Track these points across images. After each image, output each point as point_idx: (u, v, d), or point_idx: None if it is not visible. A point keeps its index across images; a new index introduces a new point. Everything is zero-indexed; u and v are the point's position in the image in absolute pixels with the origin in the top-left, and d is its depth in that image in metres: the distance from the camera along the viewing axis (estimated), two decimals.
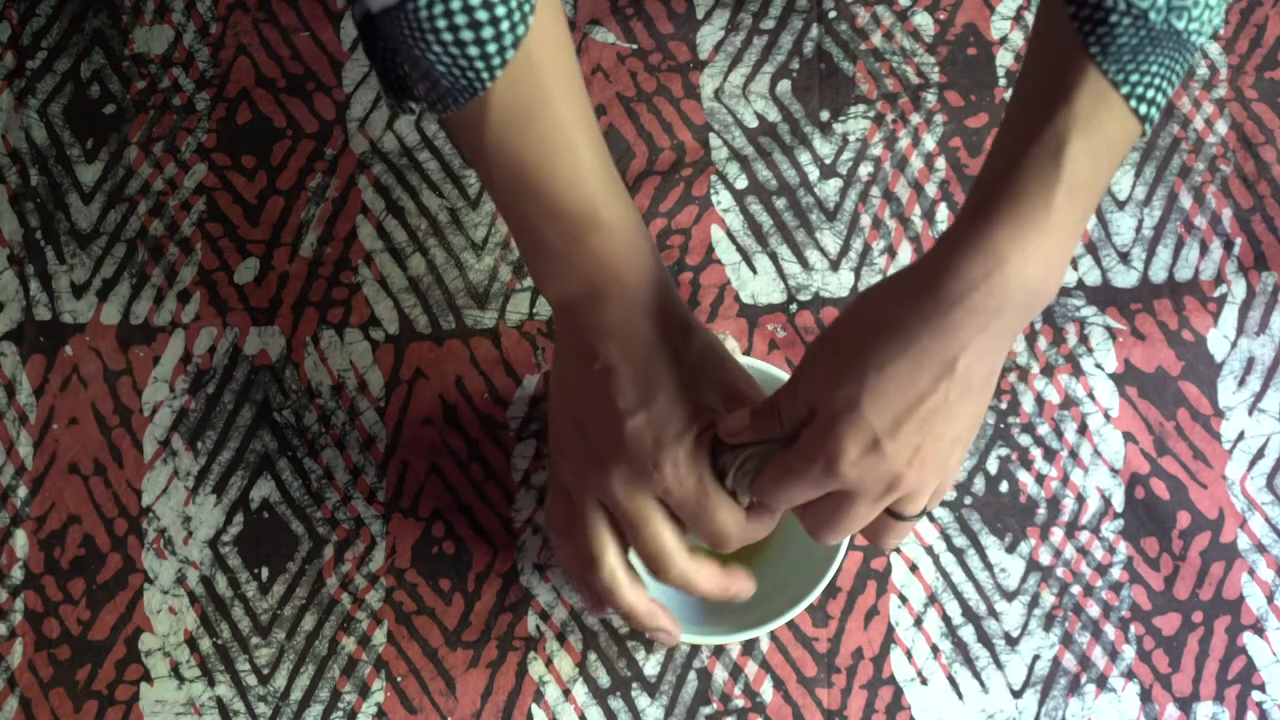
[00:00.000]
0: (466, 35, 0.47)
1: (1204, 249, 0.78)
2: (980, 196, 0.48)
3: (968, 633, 0.73)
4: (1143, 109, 0.47)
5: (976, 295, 0.47)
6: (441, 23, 0.47)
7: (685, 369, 0.56)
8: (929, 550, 0.74)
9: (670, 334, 0.56)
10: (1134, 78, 0.46)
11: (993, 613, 0.73)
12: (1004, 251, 0.47)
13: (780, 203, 0.78)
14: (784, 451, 0.53)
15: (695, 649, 0.73)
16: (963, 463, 0.54)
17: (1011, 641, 0.73)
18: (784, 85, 0.80)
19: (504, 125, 0.51)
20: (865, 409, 0.49)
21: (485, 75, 0.49)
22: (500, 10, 0.47)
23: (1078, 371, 0.76)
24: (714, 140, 0.79)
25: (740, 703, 0.72)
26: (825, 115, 0.79)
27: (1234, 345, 0.76)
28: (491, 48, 0.48)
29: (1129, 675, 0.73)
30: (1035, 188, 0.46)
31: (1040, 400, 0.75)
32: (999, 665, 0.73)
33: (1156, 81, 0.47)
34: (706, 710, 0.72)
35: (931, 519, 0.74)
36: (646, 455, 0.55)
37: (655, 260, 0.57)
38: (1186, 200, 0.78)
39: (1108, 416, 0.75)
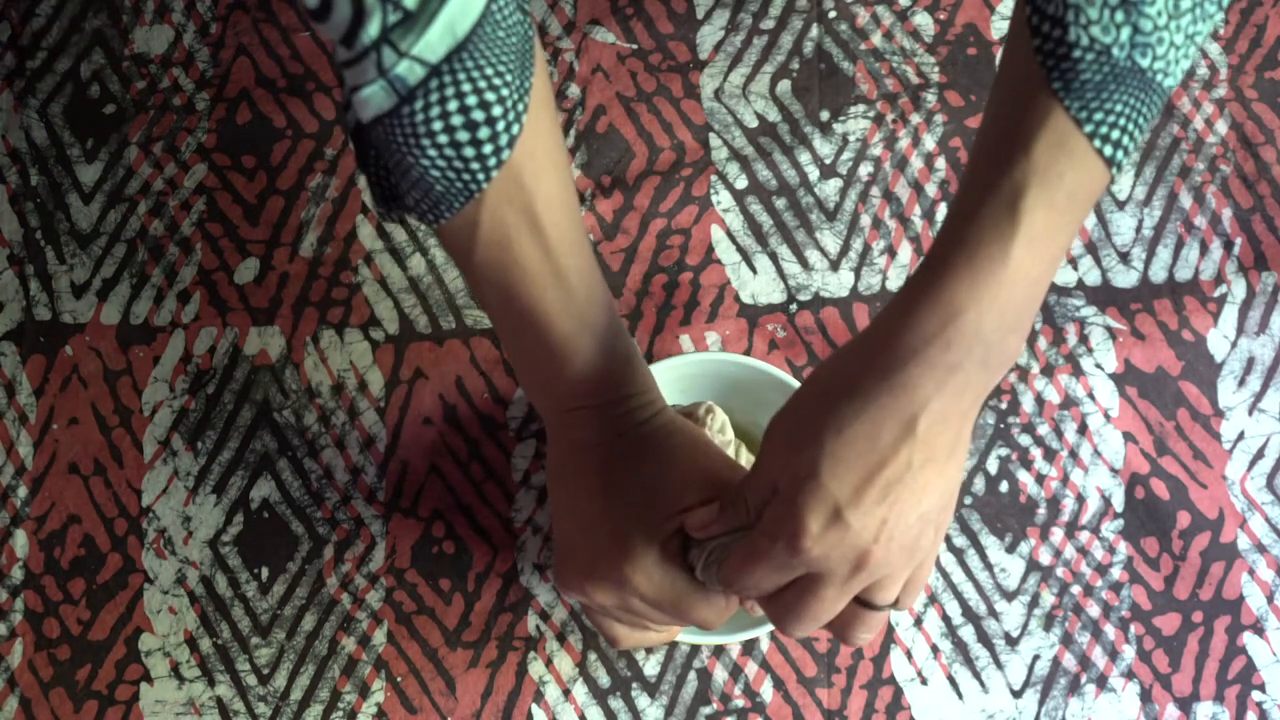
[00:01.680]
0: (463, 137, 0.46)
1: (1204, 249, 0.78)
2: (937, 248, 0.47)
3: (968, 633, 0.73)
4: (1107, 150, 0.46)
5: (933, 349, 0.46)
6: (438, 124, 0.46)
7: (658, 468, 0.56)
8: None
9: (643, 440, 0.56)
10: (1097, 116, 0.45)
11: (993, 613, 0.73)
12: (960, 303, 0.45)
13: (780, 203, 0.78)
14: (745, 535, 0.52)
15: (695, 649, 0.73)
16: (936, 551, 0.52)
17: (1011, 641, 0.73)
18: (784, 85, 0.80)
19: (491, 244, 0.50)
20: (824, 475, 0.47)
21: (481, 178, 0.48)
22: (496, 110, 0.46)
23: (1078, 371, 0.76)
24: (714, 140, 0.79)
25: (740, 703, 0.72)
26: (825, 115, 0.79)
27: (1234, 345, 0.76)
28: (487, 148, 0.47)
29: (1129, 675, 0.73)
30: (991, 239, 0.45)
31: (1040, 400, 0.75)
32: (999, 665, 0.73)
33: (1121, 122, 0.45)
34: (706, 710, 0.72)
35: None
36: (614, 568, 0.55)
37: (633, 369, 0.57)
38: (1186, 200, 0.78)
39: (1108, 416, 0.75)
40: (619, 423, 0.56)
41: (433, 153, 0.47)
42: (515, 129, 0.47)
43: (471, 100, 0.46)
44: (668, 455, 0.56)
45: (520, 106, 0.47)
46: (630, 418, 0.56)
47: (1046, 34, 0.45)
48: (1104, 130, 0.45)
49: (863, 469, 0.47)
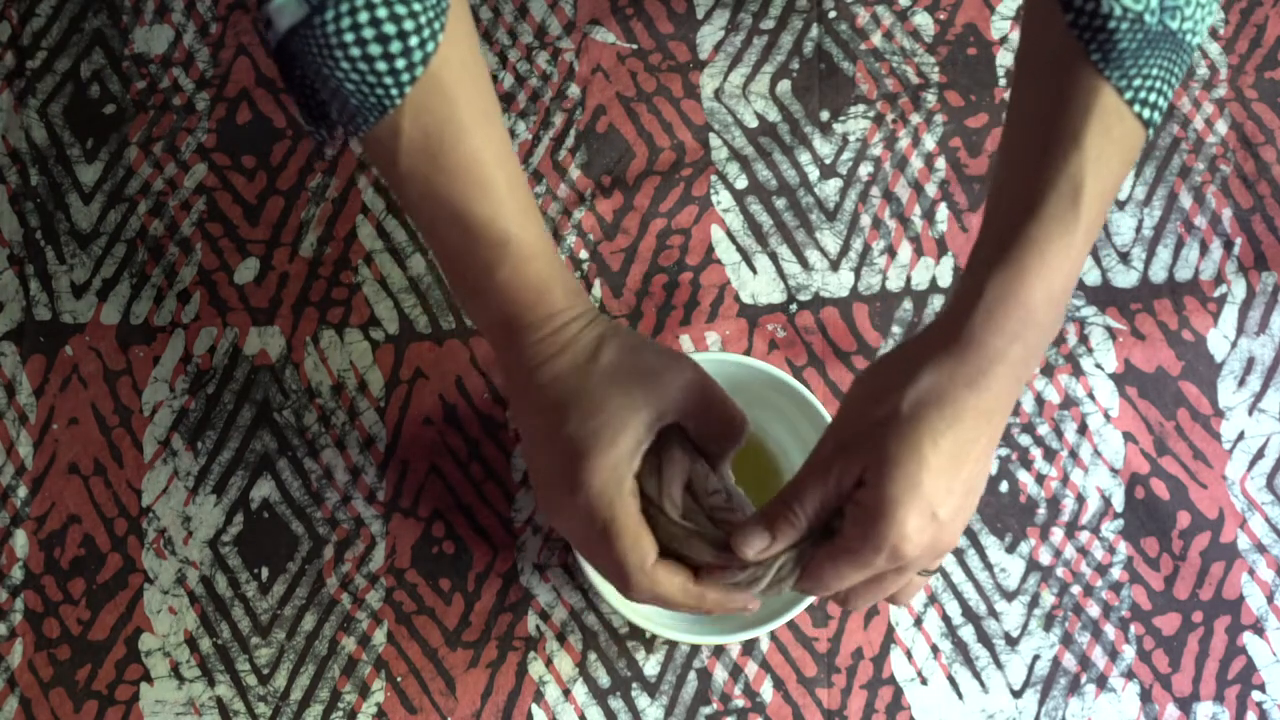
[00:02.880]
0: (374, 50, 0.47)
1: (1204, 249, 0.78)
2: (1006, 247, 0.48)
3: (968, 633, 0.73)
4: (1145, 113, 0.47)
5: (1014, 350, 0.48)
6: (349, 37, 0.47)
7: (616, 384, 0.55)
8: None
9: (592, 354, 0.55)
10: (1136, 82, 0.47)
11: (993, 613, 0.73)
12: (1036, 303, 0.48)
13: (780, 203, 0.78)
14: (827, 545, 0.52)
15: (695, 649, 0.73)
16: None
17: (1011, 641, 0.73)
18: (784, 85, 0.80)
19: (415, 151, 0.51)
20: (927, 489, 0.49)
21: (395, 92, 0.48)
22: (409, 25, 0.47)
23: (1078, 371, 0.76)
24: (714, 140, 0.79)
25: (740, 703, 0.72)
26: (825, 115, 0.79)
27: (1234, 345, 0.76)
28: (400, 63, 0.48)
29: (1129, 675, 0.73)
30: (1059, 235, 0.47)
31: (1040, 400, 0.75)
32: (999, 665, 0.73)
33: (1158, 85, 0.47)
34: (706, 710, 0.72)
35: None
36: (575, 486, 0.54)
37: (569, 280, 0.56)
38: (1186, 200, 0.78)
39: (1108, 416, 0.75)
40: (560, 335, 0.55)
41: (345, 65, 0.47)
42: (430, 46, 0.48)
43: (382, 13, 0.46)
44: (613, 366, 0.55)
45: (437, 24, 0.48)
46: (570, 330, 0.55)
47: (1080, 8, 0.46)
48: (1143, 95, 0.47)
49: (957, 474, 0.50)
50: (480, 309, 0.56)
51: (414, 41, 0.47)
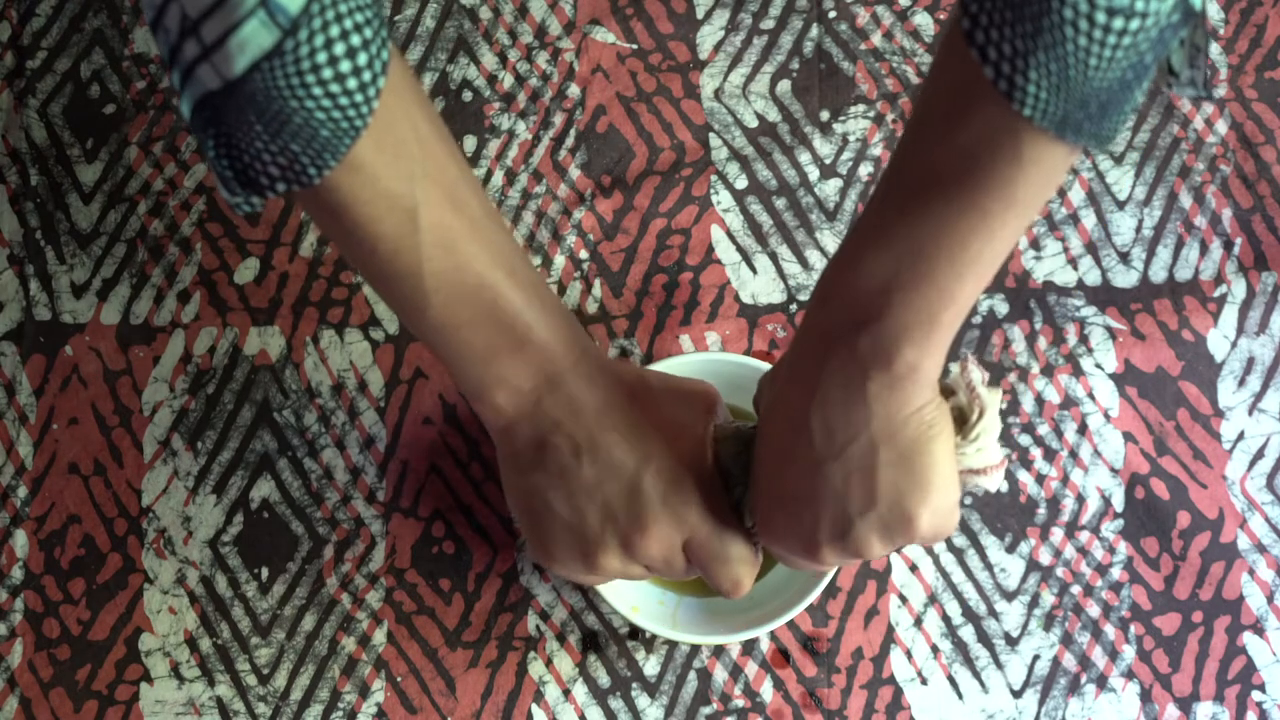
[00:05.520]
0: (345, 67, 0.43)
1: (1204, 249, 0.78)
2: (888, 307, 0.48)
3: (968, 633, 0.73)
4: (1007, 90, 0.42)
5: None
6: (322, 56, 0.42)
7: (639, 408, 0.56)
8: (929, 550, 0.74)
9: (617, 390, 0.56)
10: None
11: (993, 613, 0.73)
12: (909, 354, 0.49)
13: (780, 203, 0.78)
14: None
15: (695, 649, 0.73)
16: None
17: (1011, 641, 0.73)
18: (784, 85, 0.80)
19: (385, 177, 0.47)
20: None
21: (365, 110, 0.44)
22: (368, 32, 0.43)
23: (1078, 371, 0.76)
24: (714, 140, 0.79)
25: (740, 703, 0.72)
26: (825, 115, 0.79)
27: (1234, 345, 0.76)
28: (366, 75, 0.44)
29: (1129, 675, 0.73)
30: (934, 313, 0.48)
31: (1040, 400, 0.75)
32: (999, 665, 0.73)
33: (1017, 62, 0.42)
34: (706, 710, 0.72)
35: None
36: (671, 511, 0.55)
37: (568, 315, 0.56)
38: (1186, 200, 0.78)
39: (1108, 416, 0.75)
40: (599, 377, 0.55)
41: (318, 90, 0.43)
42: (384, 54, 0.44)
43: (348, 23, 0.42)
44: (643, 384, 0.57)
45: (383, 32, 0.44)
46: (597, 363, 0.56)
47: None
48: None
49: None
50: (514, 364, 0.54)
51: (374, 50, 0.44)
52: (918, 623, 0.73)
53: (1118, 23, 0.39)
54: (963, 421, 0.52)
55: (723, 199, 0.78)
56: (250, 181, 0.46)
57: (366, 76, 0.43)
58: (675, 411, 0.57)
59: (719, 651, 0.73)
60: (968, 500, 0.74)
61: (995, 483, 0.54)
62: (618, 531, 0.55)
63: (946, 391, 0.52)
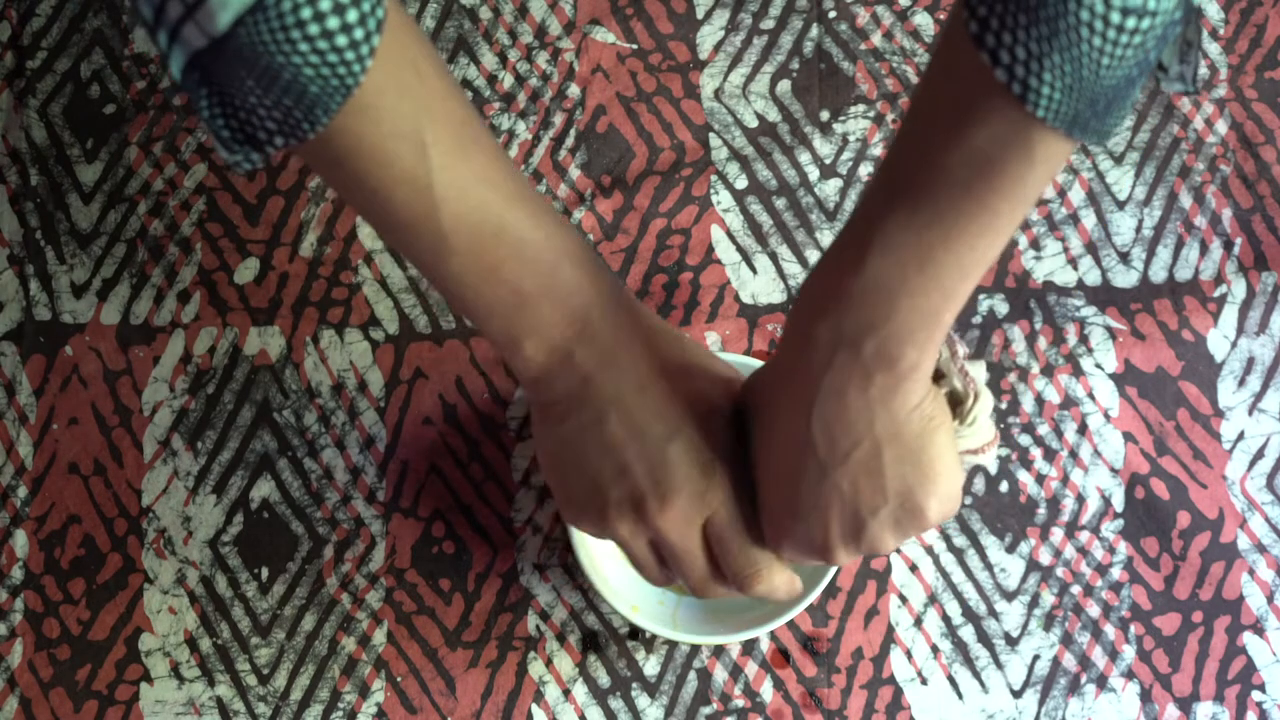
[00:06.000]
0: (333, 23, 0.42)
1: (1204, 249, 0.78)
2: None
3: (968, 633, 0.73)
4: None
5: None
6: (306, 12, 0.41)
7: (672, 371, 0.56)
8: (929, 550, 0.74)
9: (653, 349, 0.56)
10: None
11: (993, 613, 0.73)
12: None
13: (780, 203, 0.78)
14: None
15: (695, 649, 0.73)
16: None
17: (1011, 641, 0.73)
18: (784, 85, 0.80)
19: (390, 135, 0.46)
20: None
21: (357, 68, 0.44)
22: None
23: (1078, 371, 0.76)
24: (714, 140, 0.79)
25: (740, 703, 0.72)
26: (825, 115, 0.79)
27: (1234, 345, 0.76)
28: (358, 33, 0.43)
29: (1129, 675, 0.73)
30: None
31: (1040, 400, 0.75)
32: (999, 665, 0.73)
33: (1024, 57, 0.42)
34: (706, 710, 0.72)
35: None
36: (694, 472, 0.55)
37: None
38: (1186, 200, 0.78)
39: (1108, 416, 0.75)
40: (633, 330, 0.55)
41: (304, 46, 0.42)
42: (379, 12, 0.44)
43: None
44: (677, 343, 0.57)
45: None
46: (629, 312, 0.55)
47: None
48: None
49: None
50: (535, 314, 0.54)
51: (366, 6, 0.43)
52: (918, 623, 0.73)
53: (1131, 22, 0.39)
54: (957, 404, 0.53)
55: (723, 199, 0.78)
56: (250, 137, 0.46)
57: (358, 34, 0.43)
58: (706, 388, 0.56)
59: (719, 651, 0.73)
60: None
61: (991, 459, 0.54)
62: (635, 495, 0.55)
63: (936, 376, 0.52)
